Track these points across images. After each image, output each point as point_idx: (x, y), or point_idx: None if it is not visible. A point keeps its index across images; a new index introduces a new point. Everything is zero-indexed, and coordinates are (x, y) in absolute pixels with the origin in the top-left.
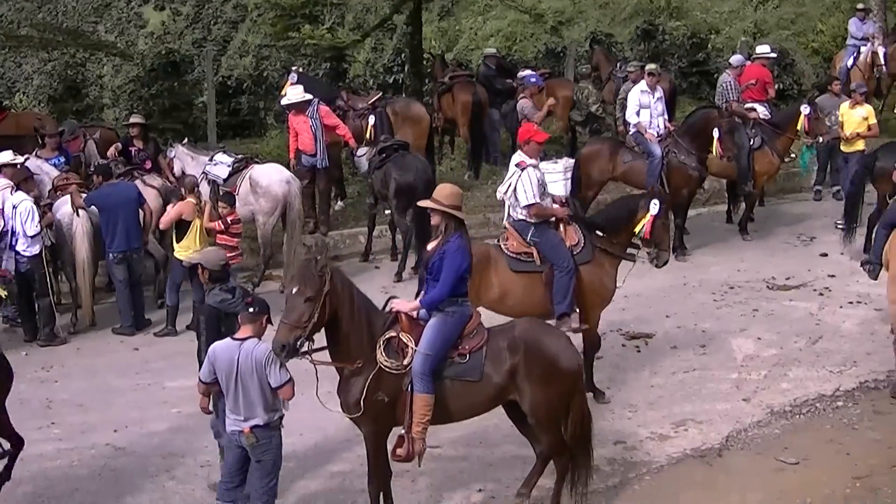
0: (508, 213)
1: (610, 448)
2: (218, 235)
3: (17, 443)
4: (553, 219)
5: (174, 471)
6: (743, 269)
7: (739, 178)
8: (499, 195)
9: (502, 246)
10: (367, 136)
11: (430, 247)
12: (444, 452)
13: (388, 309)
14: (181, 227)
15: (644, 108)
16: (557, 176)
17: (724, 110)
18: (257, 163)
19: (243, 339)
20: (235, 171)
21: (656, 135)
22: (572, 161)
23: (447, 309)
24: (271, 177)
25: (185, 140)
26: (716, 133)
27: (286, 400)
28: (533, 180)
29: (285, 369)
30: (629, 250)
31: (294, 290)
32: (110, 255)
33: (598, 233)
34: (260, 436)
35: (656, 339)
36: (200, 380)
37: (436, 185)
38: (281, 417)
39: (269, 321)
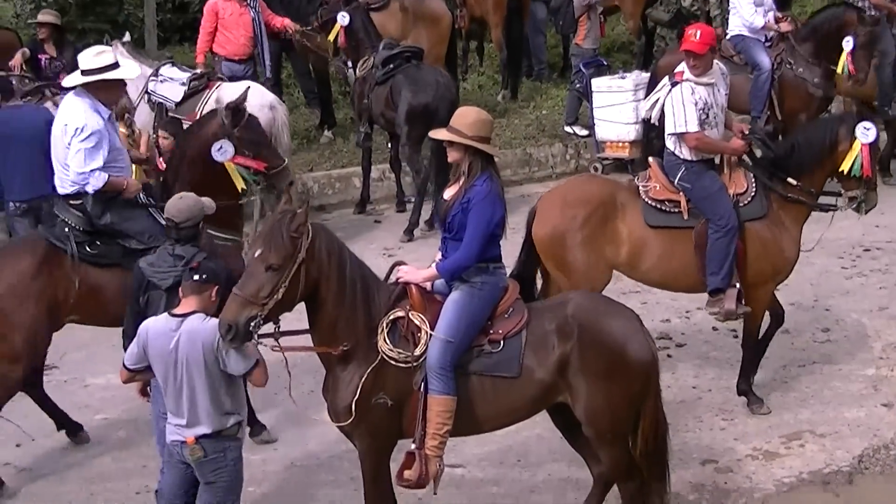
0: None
1: (696, 470)
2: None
3: None
4: (717, 157)
5: (99, 499)
6: (884, 224)
7: (880, 99)
8: (642, 113)
9: (640, 188)
10: (334, 40)
11: (447, 194)
12: (470, 474)
13: (393, 280)
14: None
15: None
16: (626, 96)
17: (864, 13)
18: (222, 79)
19: (184, 315)
20: (193, 92)
21: (764, 39)
22: (646, 76)
23: (474, 279)
24: (250, 100)
25: (125, 38)
26: (847, 43)
27: (258, 386)
28: (688, 98)
29: (243, 355)
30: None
31: (255, 254)
32: (10, 205)
33: (784, 177)
34: (209, 448)
35: None
36: (124, 364)
37: (458, 107)
38: (239, 423)
39: (220, 293)
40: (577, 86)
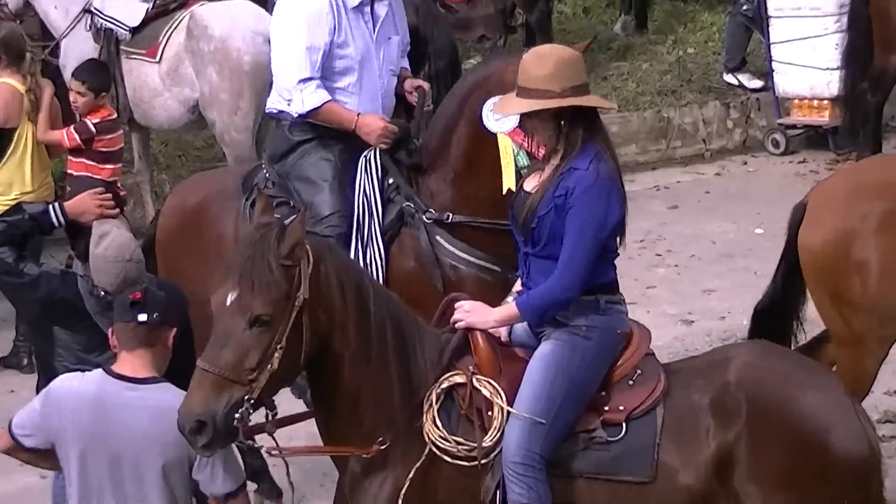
0: None
1: None
2: (70, 160)
3: None
4: None
5: None
6: None
7: None
8: None
9: None
10: None
11: (528, 184)
12: None
13: (446, 323)
14: None
15: None
16: (824, 24)
17: None
18: None
19: (136, 380)
20: (160, 13)
21: None
22: None
23: (575, 321)
24: (237, 21)
25: None
26: None
27: None
28: None
29: (233, 461)
30: None
31: (229, 299)
32: None
33: None
34: None
35: None
36: (10, 430)
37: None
38: None
39: (177, 334)
40: (745, 7)
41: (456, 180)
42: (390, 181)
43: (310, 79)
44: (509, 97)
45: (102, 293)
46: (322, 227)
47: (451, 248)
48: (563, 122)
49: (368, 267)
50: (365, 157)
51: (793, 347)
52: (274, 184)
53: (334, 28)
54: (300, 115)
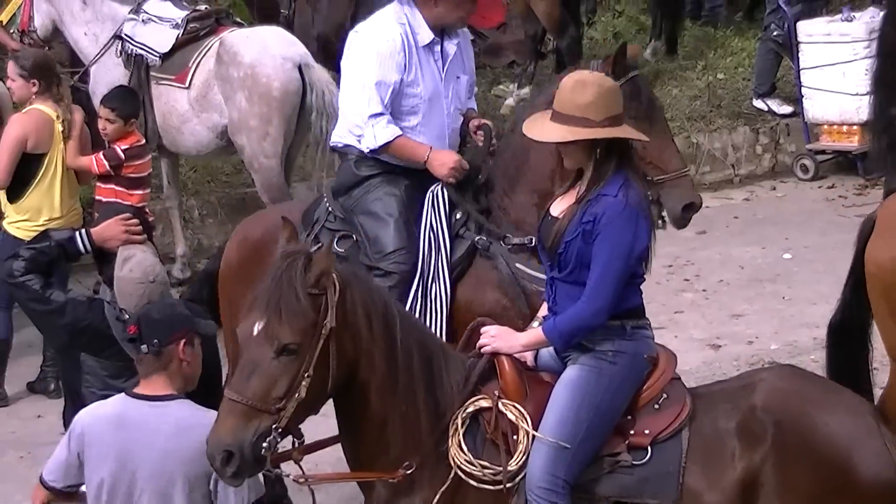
0: None
1: None
2: (99, 186)
3: None
4: None
5: None
6: None
7: None
8: None
9: None
10: None
11: (555, 209)
12: None
13: (472, 349)
14: (20, 167)
15: None
16: (853, 49)
17: None
18: (239, 24)
19: (150, 399)
20: (190, 39)
21: None
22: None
23: (601, 346)
24: (267, 48)
25: None
26: None
27: None
28: None
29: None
30: None
31: (256, 328)
32: None
33: None
34: None
35: None
36: (42, 480)
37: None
38: None
39: (190, 342)
40: (775, 33)
41: (543, 202)
42: (458, 216)
43: (381, 114)
44: (544, 120)
45: (126, 316)
46: (387, 262)
47: (535, 273)
48: (597, 151)
49: (432, 303)
50: (432, 191)
51: (871, 360)
52: (337, 217)
53: (404, 66)
54: (372, 151)
